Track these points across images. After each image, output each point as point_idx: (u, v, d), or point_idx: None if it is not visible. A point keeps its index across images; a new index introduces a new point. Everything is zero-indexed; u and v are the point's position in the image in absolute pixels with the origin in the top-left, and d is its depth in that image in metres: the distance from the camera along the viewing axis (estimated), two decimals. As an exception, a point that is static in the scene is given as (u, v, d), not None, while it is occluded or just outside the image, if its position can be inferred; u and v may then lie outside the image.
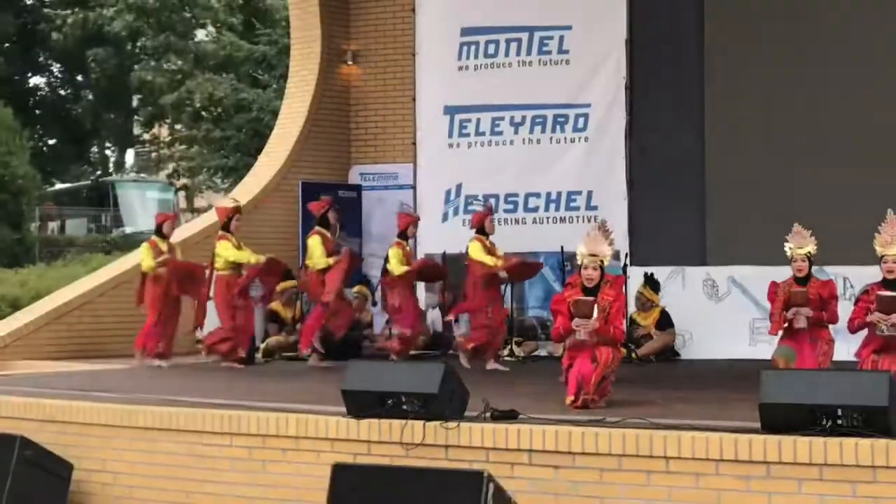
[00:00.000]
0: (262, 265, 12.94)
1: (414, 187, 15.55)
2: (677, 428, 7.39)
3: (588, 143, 14.69)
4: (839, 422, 6.98)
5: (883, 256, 9.47)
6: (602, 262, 9.02)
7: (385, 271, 13.21)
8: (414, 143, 15.65)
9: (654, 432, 7.30)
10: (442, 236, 14.96)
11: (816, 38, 13.69)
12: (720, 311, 13.22)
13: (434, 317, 14.84)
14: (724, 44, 14.11)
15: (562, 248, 13.25)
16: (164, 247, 13.04)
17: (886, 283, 9.48)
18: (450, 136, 15.33)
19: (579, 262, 9.13)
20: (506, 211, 14.86)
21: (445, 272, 13.59)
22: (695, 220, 12.55)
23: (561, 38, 14.74)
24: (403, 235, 13.23)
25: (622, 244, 13.66)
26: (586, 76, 14.68)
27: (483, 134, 15.12)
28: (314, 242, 13.06)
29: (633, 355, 12.82)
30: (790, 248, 10.15)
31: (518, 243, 14.17)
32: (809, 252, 10.09)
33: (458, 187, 15.27)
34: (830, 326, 10.08)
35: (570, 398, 8.67)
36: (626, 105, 14.50)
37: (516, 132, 14.97)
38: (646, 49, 14.40)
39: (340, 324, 13.13)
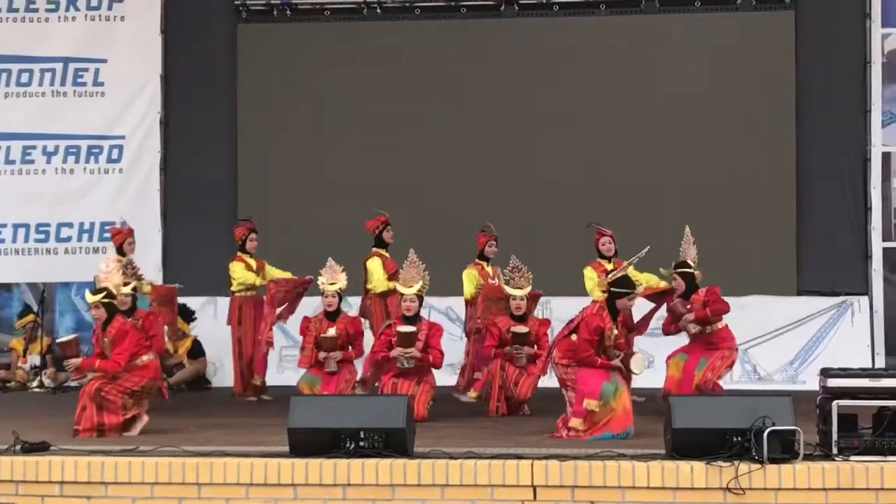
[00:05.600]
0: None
1: (-63, 215, 14.85)
2: (209, 455, 7.58)
3: (123, 174, 14.68)
4: (362, 444, 7.39)
5: (403, 294, 10.10)
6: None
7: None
8: (-63, 171, 14.95)
9: (187, 459, 7.46)
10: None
11: (350, 70, 14.30)
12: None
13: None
14: (257, 81, 14.52)
15: (95, 277, 13.10)
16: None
17: (406, 319, 10.11)
18: (-23, 163, 14.79)
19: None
20: (37, 241, 14.53)
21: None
22: (227, 251, 12.71)
23: (97, 71, 14.66)
24: (483, 256, 11.82)
25: (156, 276, 13.73)
26: (121, 108, 14.67)
27: (14, 162, 14.68)
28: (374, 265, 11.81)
29: (166, 384, 12.81)
30: (322, 283, 10.53)
31: (49, 274, 14.21)
32: (341, 288, 10.52)
33: (-14, 216, 14.75)
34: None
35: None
36: (161, 138, 14.64)
37: (49, 161, 14.69)
38: (180, 84, 14.61)
39: None
